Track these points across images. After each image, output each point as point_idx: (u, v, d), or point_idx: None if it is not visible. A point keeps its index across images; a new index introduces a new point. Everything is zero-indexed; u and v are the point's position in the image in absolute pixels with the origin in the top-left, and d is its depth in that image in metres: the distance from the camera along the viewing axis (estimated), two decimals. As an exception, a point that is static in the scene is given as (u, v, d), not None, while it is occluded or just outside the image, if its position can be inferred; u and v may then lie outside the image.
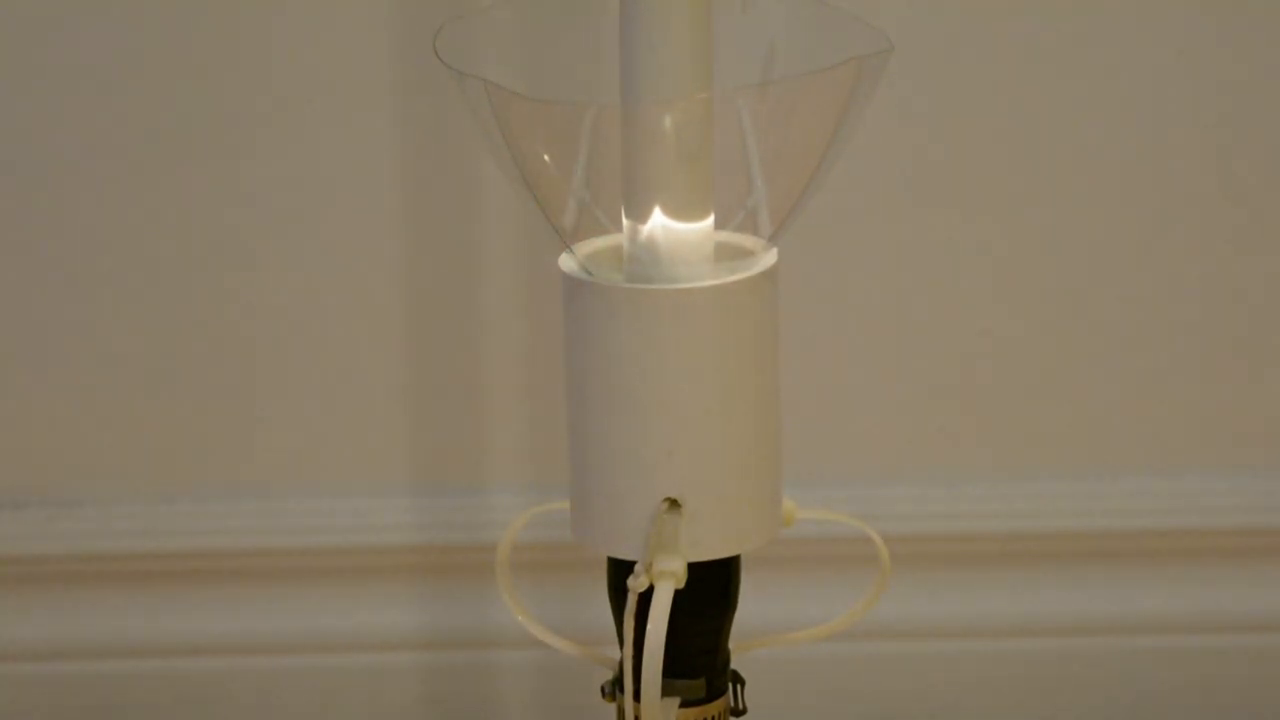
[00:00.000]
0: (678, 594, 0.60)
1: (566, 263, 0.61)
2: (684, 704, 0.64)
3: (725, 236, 0.62)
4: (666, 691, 0.62)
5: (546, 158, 0.61)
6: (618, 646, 0.63)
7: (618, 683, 0.64)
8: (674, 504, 0.61)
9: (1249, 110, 1.08)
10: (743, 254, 0.61)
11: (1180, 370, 1.13)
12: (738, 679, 0.70)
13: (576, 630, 0.73)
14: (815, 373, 1.10)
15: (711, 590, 0.64)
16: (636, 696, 0.61)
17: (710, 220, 0.61)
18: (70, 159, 1.03)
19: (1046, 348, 1.13)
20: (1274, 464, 1.13)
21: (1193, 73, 1.11)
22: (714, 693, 0.65)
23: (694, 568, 0.61)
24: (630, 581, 0.61)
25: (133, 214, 1.04)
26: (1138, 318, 1.13)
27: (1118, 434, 1.14)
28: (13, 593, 1.05)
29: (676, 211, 0.60)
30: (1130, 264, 1.12)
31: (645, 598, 0.61)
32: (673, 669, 0.62)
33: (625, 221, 0.61)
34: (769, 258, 0.60)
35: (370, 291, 1.04)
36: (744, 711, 0.69)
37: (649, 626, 0.60)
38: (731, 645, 0.66)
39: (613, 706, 0.66)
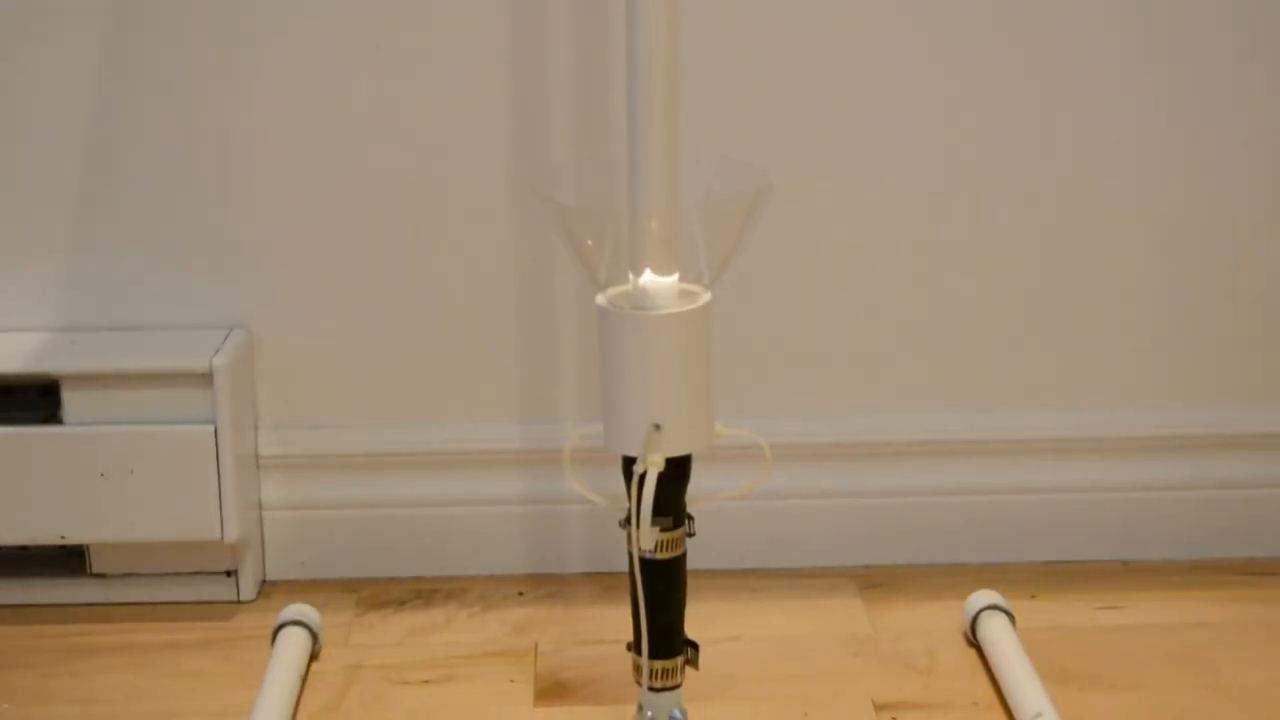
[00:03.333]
0: (660, 474, 0.99)
1: (600, 300, 1.01)
2: (662, 530, 1.02)
3: (683, 285, 1.01)
4: (653, 523, 1.01)
5: (589, 241, 1.02)
6: (628, 500, 1.01)
7: (628, 519, 1.02)
8: (657, 427, 0.99)
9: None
10: (692, 295, 1.01)
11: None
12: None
13: (606, 490, 1.08)
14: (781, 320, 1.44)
15: (677, 471, 1.01)
16: (638, 526, 1.00)
17: (676, 276, 1.00)
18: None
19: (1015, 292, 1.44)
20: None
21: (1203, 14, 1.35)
22: (677, 524, 1.02)
23: (668, 460, 0.99)
24: (634, 467, 1.00)
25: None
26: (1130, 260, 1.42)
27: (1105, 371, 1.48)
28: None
29: (658, 271, 0.99)
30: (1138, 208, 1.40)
31: (642, 476, 0.99)
32: (656, 511, 0.99)
33: (630, 276, 1.00)
34: (706, 297, 1.01)
35: (483, 271, 1.40)
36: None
37: (644, 490, 0.99)
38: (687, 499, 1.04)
39: (623, 533, 1.04)
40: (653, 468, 1.00)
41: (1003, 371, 1.44)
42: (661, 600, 1.06)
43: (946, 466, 1.45)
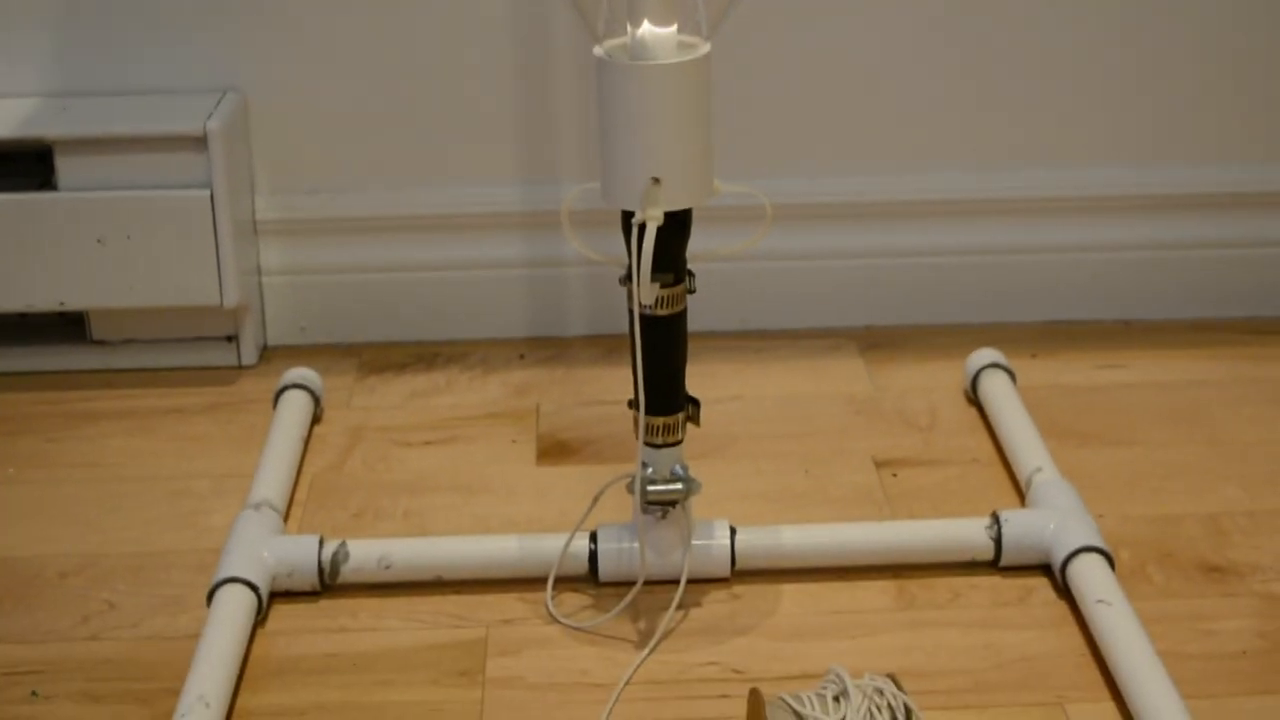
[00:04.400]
0: (660, 228, 0.98)
1: (597, 51, 1.00)
2: (662, 286, 1.02)
3: (682, 37, 1.00)
4: (653, 279, 1.01)
5: None
6: (628, 258, 1.01)
7: (628, 276, 1.02)
8: (656, 180, 0.98)
9: None
10: (691, 47, 1.00)
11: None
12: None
13: (606, 251, 1.09)
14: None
15: (677, 225, 1.01)
16: (638, 281, 1.00)
17: (675, 27, 0.99)
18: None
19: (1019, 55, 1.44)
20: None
21: None
22: (677, 281, 1.03)
23: (668, 214, 0.99)
24: (634, 220, 0.99)
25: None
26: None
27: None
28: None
29: (656, 22, 0.98)
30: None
31: (641, 229, 0.98)
32: (656, 267, 0.99)
33: (629, 28, 0.99)
34: (705, 48, 0.99)
35: (479, 29, 1.38)
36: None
37: (643, 245, 0.98)
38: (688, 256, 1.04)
39: (624, 293, 1.04)
40: (652, 221, 0.99)
41: (1005, 131, 1.44)
42: (662, 356, 1.06)
43: (949, 226, 1.45)
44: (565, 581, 1.13)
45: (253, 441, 1.29)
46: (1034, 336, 1.46)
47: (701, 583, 1.13)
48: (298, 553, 1.12)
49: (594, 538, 1.13)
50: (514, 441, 1.31)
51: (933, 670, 1.05)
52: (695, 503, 1.11)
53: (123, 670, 1.06)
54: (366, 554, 1.13)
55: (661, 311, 1.04)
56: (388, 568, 1.12)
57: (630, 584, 1.11)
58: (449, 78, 1.40)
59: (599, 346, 1.44)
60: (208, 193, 1.35)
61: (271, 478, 1.21)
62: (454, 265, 1.44)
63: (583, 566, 1.13)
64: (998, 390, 1.32)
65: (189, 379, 1.41)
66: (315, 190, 1.43)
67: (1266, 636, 1.07)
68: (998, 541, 1.13)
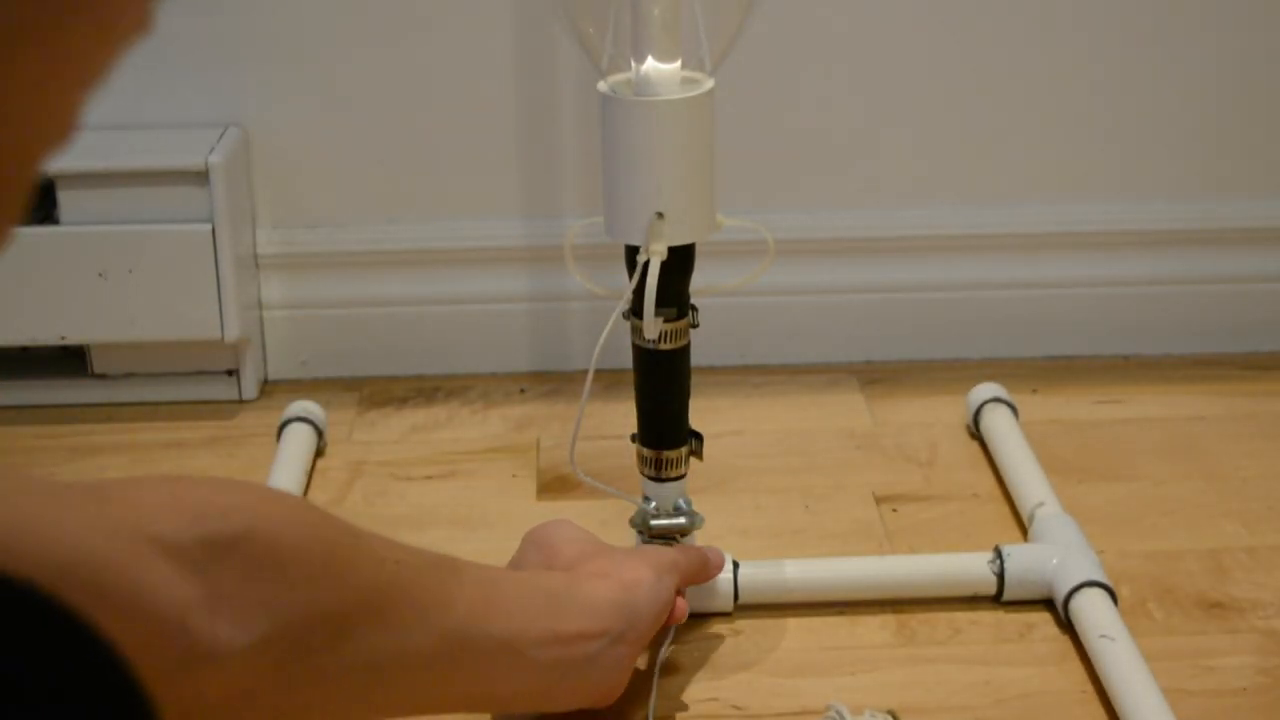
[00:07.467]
0: (663, 263, 0.99)
1: (601, 86, 1.00)
2: (666, 320, 1.03)
3: (685, 72, 1.00)
4: (656, 313, 1.01)
5: (591, 29, 1.01)
6: (631, 291, 1.01)
7: (633, 310, 1.03)
8: (660, 215, 0.98)
9: None
10: (695, 82, 1.00)
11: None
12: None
13: (608, 286, 1.10)
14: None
15: (680, 261, 1.01)
16: (640, 316, 1.01)
17: (679, 63, 1.00)
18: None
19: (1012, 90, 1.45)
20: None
21: None
22: (680, 315, 1.03)
23: (671, 249, 0.99)
24: (638, 256, 1.00)
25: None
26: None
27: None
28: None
29: (660, 58, 0.99)
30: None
31: (645, 265, 0.99)
32: (659, 301, 1.00)
33: (633, 64, 0.99)
34: (709, 83, 1.00)
35: (483, 64, 1.39)
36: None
37: (647, 279, 0.99)
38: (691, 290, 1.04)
39: (627, 329, 1.05)
40: (655, 256, 1.00)
41: (1006, 165, 1.44)
42: (666, 391, 1.06)
43: (950, 261, 1.45)
44: (567, 616, 1.12)
45: (253, 475, 1.29)
46: (1035, 372, 1.46)
47: (704, 617, 1.12)
48: (299, 587, 1.11)
49: (596, 572, 1.12)
50: (515, 476, 1.31)
51: (933, 706, 1.04)
52: (696, 537, 1.11)
53: (124, 704, 1.06)
54: (368, 588, 1.12)
55: (665, 346, 1.04)
56: (390, 601, 1.12)
57: (632, 618, 1.10)
58: (451, 112, 1.41)
59: (600, 380, 1.42)
60: (209, 227, 1.35)
61: (273, 511, 1.21)
62: (456, 299, 1.44)
63: (585, 601, 1.12)
64: (1000, 425, 1.32)
65: (190, 413, 1.41)
66: (316, 225, 1.44)
67: (1267, 673, 1.07)
68: (1000, 576, 1.13)
